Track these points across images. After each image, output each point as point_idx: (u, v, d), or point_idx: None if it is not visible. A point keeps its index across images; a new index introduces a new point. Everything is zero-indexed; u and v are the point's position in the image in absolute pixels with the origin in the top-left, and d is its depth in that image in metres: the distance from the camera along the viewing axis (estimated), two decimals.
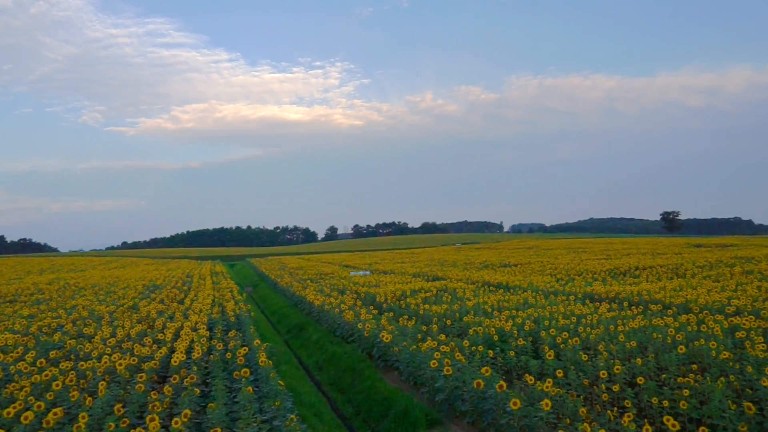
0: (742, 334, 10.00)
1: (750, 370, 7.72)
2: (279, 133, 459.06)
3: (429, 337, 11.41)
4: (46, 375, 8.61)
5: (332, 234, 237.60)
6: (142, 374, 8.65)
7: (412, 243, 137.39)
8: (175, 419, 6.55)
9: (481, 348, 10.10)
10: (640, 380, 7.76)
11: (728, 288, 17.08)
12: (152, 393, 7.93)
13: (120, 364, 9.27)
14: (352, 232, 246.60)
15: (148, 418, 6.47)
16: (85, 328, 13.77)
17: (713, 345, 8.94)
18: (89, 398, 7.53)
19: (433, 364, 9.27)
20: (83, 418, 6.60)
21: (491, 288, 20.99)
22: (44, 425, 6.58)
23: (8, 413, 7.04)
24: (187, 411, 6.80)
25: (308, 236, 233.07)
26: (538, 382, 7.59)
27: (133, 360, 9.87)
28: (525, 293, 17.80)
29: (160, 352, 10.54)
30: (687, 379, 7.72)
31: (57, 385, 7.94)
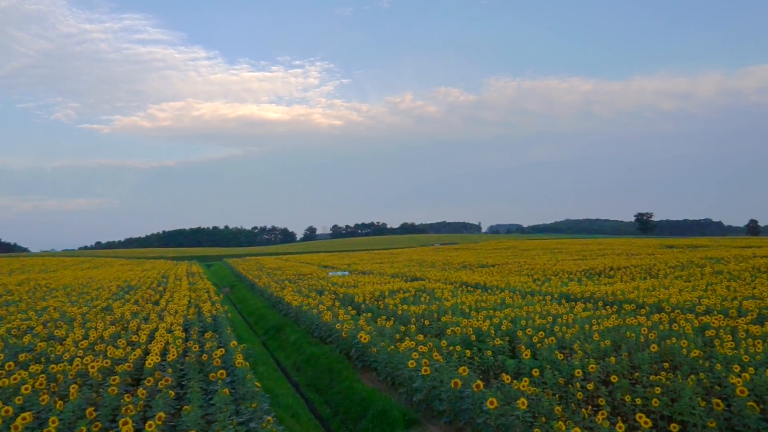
0: (712, 332, 10.27)
1: (719, 368, 7.92)
2: (258, 132, 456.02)
3: (407, 338, 11.44)
4: (15, 378, 8.37)
5: (311, 234, 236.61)
6: (116, 377, 8.49)
7: (391, 243, 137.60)
8: (149, 422, 6.45)
9: (458, 348, 10.17)
10: (614, 378, 7.91)
11: (699, 288, 17.50)
12: (126, 396, 7.79)
13: (92, 367, 9.08)
14: (331, 232, 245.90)
15: (121, 422, 6.35)
16: (57, 330, 13.46)
17: (684, 343, 9.15)
18: (60, 402, 7.35)
19: (411, 364, 9.29)
20: (53, 422, 6.44)
21: (469, 288, 21.13)
22: (12, 430, 6.40)
23: None
24: (162, 414, 6.70)
25: (287, 236, 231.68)
26: (515, 381, 7.66)
27: (106, 362, 9.68)
28: (502, 293, 17.97)
29: (134, 354, 10.35)
30: (659, 377, 7.89)
31: (26, 389, 7.74)
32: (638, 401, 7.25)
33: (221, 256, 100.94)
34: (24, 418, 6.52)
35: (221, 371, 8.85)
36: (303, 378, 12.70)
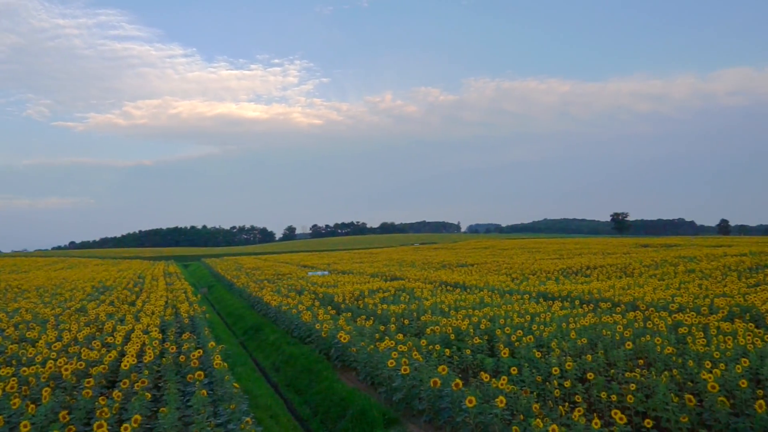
0: (685, 330, 10.50)
1: (691, 364, 8.11)
2: (236, 131, 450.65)
3: (387, 337, 11.46)
4: None
5: (290, 234, 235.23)
6: (90, 379, 8.33)
7: (370, 243, 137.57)
8: (125, 425, 6.34)
9: (438, 347, 10.22)
10: (590, 376, 8.04)
11: (672, 286, 17.87)
12: (101, 398, 7.64)
13: (66, 369, 8.90)
14: (310, 232, 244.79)
15: (95, 425, 6.23)
16: (29, 332, 13.16)
17: (658, 341, 9.34)
18: (32, 405, 7.18)
19: (391, 363, 9.31)
20: (25, 426, 6.29)
21: (448, 287, 21.26)
22: None
23: None
24: (138, 416, 6.59)
25: (266, 236, 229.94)
26: (494, 379, 7.74)
27: (81, 365, 9.49)
28: (481, 292, 18.11)
29: (110, 356, 10.18)
30: (634, 373, 8.04)
31: None
32: (614, 398, 7.38)
33: (199, 256, 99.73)
34: None
35: (199, 372, 8.75)
36: (282, 378, 12.62)
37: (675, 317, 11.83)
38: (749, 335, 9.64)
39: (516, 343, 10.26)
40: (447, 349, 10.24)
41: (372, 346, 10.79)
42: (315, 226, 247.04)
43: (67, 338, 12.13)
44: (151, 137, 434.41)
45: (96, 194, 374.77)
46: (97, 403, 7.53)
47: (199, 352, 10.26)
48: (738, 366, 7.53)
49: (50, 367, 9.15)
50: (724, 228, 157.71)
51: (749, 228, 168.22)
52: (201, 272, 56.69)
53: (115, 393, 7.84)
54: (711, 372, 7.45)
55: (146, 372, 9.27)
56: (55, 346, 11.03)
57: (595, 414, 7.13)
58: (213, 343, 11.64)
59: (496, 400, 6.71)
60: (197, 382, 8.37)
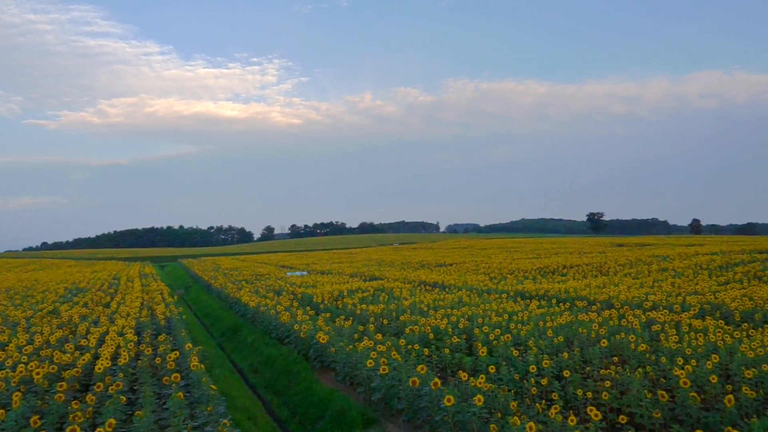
0: (658, 327, 10.74)
1: (664, 361, 8.29)
2: (214, 129, 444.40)
3: (366, 337, 11.46)
4: None
5: (269, 234, 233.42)
6: (63, 383, 8.14)
7: (349, 243, 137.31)
8: (99, 429, 6.23)
9: (417, 346, 10.25)
10: (566, 373, 8.16)
11: (646, 284, 18.25)
12: (74, 403, 7.48)
13: (37, 373, 8.69)
14: (289, 232, 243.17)
15: (68, 429, 6.10)
16: None
17: (632, 338, 9.53)
18: (2, 411, 7.00)
19: (370, 363, 9.31)
20: None
21: (427, 287, 21.35)
22: None
23: None
24: (112, 420, 6.48)
25: (244, 236, 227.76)
26: (472, 378, 7.80)
27: (53, 368, 9.28)
28: (460, 292, 18.24)
29: (83, 359, 9.97)
30: (609, 371, 8.18)
31: None
32: (589, 395, 7.51)
33: (176, 256, 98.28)
34: None
35: (175, 374, 8.63)
36: (260, 380, 12.53)
37: (648, 315, 12.08)
38: (719, 332, 9.91)
39: (494, 342, 10.36)
40: (426, 349, 10.28)
41: (351, 347, 10.78)
42: (294, 226, 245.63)
43: (39, 341, 11.85)
44: (126, 136, 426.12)
45: (69, 194, 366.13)
46: (69, 408, 7.37)
47: (175, 354, 10.11)
48: (709, 362, 7.73)
49: (21, 372, 8.92)
50: (696, 227, 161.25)
51: (720, 227, 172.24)
52: (178, 273, 55.91)
53: (89, 397, 7.69)
54: (683, 368, 7.64)
55: (121, 375, 9.10)
56: (26, 350, 10.77)
57: (571, 411, 7.25)
58: (190, 344, 11.50)
59: (475, 398, 6.76)
60: (174, 385, 8.26)
